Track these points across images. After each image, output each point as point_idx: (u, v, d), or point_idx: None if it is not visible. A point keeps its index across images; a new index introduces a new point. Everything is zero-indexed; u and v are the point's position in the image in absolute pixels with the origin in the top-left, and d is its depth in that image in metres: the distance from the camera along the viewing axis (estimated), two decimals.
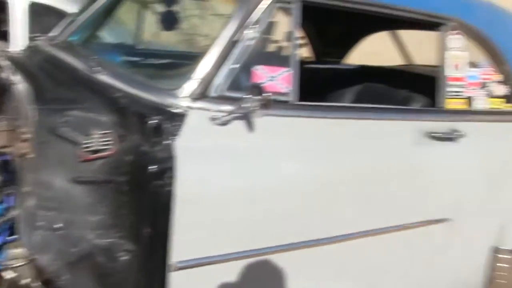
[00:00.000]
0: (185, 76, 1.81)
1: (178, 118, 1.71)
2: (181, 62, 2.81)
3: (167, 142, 1.65)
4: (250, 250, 1.84)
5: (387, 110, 2.25)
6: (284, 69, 1.92)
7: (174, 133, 1.67)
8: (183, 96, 1.77)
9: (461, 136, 2.30)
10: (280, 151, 1.88)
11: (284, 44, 1.97)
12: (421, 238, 2.30)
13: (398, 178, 2.17)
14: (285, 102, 1.91)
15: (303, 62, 2.20)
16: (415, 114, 2.35)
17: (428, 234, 2.31)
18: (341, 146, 2.04)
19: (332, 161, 2.00)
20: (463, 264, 2.48)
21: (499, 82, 2.43)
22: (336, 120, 2.07)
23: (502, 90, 2.44)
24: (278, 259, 1.91)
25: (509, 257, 2.52)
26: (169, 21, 3.45)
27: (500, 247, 2.53)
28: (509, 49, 2.43)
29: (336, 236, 2.03)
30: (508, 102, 2.46)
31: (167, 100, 1.77)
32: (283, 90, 1.91)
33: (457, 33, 2.29)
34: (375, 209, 2.12)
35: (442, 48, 2.31)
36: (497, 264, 2.53)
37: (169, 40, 5.45)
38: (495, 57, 2.40)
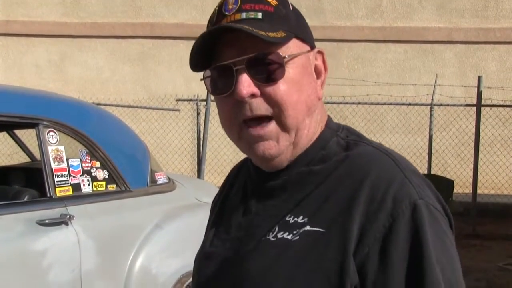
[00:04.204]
0: None
1: None
2: None
3: None
4: None
5: None
6: None
7: None
8: None
9: (71, 218, 2.59)
10: None
11: None
12: None
13: (14, 266, 2.32)
14: None
15: None
16: (25, 206, 2.55)
17: None
18: None
19: None
20: None
21: (98, 167, 2.83)
22: None
23: (102, 174, 2.85)
24: None
25: None
26: None
27: None
28: (101, 137, 2.86)
29: None
30: (109, 183, 2.87)
31: None
32: None
33: (50, 130, 2.61)
34: None
35: (43, 144, 2.60)
36: None
37: None
38: (90, 147, 2.79)
